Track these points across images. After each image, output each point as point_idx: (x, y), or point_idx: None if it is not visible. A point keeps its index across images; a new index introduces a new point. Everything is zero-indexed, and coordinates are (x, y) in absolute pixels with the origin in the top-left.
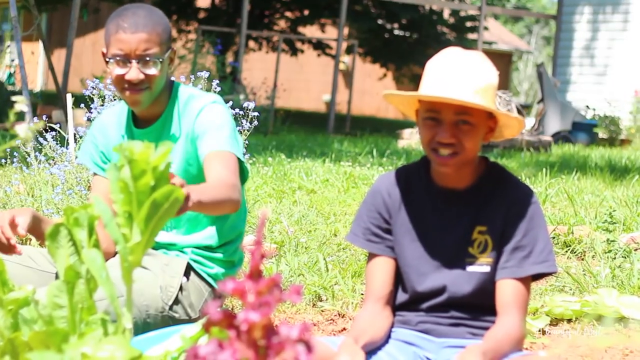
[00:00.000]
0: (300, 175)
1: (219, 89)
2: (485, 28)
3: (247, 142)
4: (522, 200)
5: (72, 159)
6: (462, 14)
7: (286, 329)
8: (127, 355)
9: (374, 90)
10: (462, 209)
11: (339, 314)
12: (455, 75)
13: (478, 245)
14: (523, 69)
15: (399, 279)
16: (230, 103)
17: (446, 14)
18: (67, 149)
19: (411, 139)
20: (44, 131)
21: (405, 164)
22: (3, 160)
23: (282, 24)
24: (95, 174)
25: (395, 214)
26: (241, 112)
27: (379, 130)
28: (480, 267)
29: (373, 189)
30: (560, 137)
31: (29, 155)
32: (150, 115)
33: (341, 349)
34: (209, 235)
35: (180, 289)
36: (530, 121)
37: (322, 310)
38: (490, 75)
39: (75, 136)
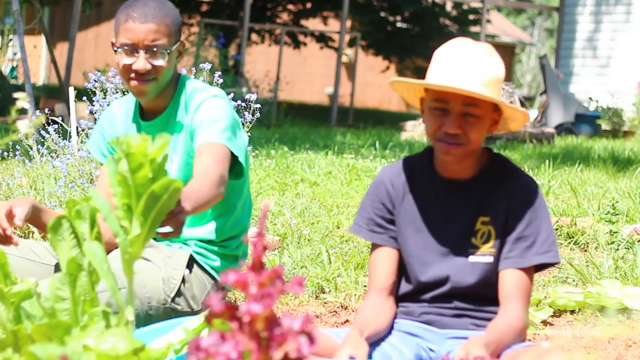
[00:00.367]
0: (303, 167)
1: (221, 81)
2: (488, 21)
3: (249, 134)
4: (526, 191)
5: (75, 152)
6: (465, 6)
7: (288, 321)
8: (129, 347)
9: (376, 83)
10: (466, 199)
11: (341, 306)
12: (464, 67)
13: (481, 235)
14: (526, 61)
15: (402, 270)
16: (232, 95)
17: (449, 7)
18: (69, 142)
19: (414, 131)
20: (46, 124)
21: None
22: (5, 154)
23: (285, 16)
24: (102, 164)
25: (399, 205)
26: (243, 105)
27: (381, 122)
28: (484, 257)
29: (376, 180)
30: (563, 129)
31: (31, 149)
32: (156, 107)
33: (345, 341)
34: (212, 229)
35: (183, 281)
36: (533, 113)
37: (324, 302)
38: (497, 68)
39: (77, 129)
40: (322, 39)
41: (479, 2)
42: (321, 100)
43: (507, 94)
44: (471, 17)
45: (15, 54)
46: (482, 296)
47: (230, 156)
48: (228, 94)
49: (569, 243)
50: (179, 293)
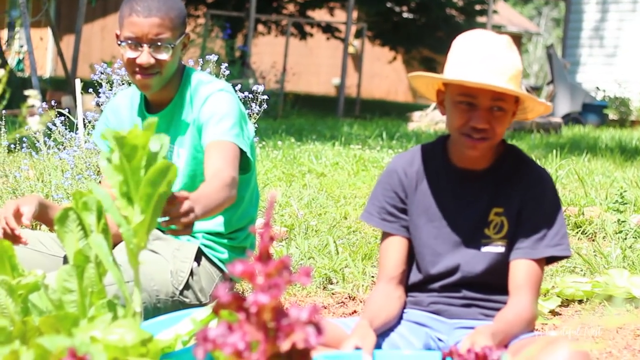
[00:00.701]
0: (310, 158)
1: (227, 72)
2: (495, 11)
3: (256, 125)
4: (540, 182)
5: (81, 144)
6: None
7: (296, 311)
8: (137, 338)
9: (383, 74)
10: (479, 190)
11: (349, 297)
12: (491, 62)
13: (494, 226)
14: (533, 51)
15: (411, 260)
16: (239, 86)
17: None
18: (76, 134)
19: (421, 122)
20: (51, 118)
21: (415, 145)
22: (12, 146)
23: (291, 7)
24: None
25: (412, 194)
26: (250, 96)
27: (388, 113)
28: (495, 247)
29: (389, 168)
30: (570, 119)
31: (38, 141)
32: (161, 99)
33: (354, 331)
34: (220, 222)
35: (191, 273)
36: None
37: (332, 293)
38: (518, 61)
39: (84, 121)
40: (329, 29)
41: None
42: (328, 91)
43: None
44: (477, 7)
45: (21, 46)
46: (491, 286)
47: (240, 152)
48: (235, 85)
49: (577, 233)
50: (187, 286)
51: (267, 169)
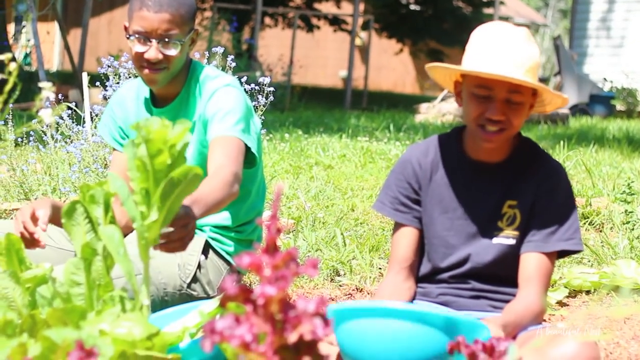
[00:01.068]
0: (317, 150)
1: (234, 65)
2: (501, 2)
3: (263, 118)
4: (554, 176)
5: (89, 138)
6: None
7: (303, 303)
8: (144, 332)
9: (390, 66)
10: (494, 182)
11: (357, 289)
12: (509, 53)
13: (507, 218)
14: (540, 42)
15: (422, 250)
16: (245, 79)
17: None
18: (83, 127)
19: (428, 114)
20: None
21: (420, 140)
22: (20, 139)
23: (298, 0)
24: (114, 149)
25: (426, 185)
26: (257, 88)
27: (395, 105)
28: (507, 239)
29: (403, 159)
30: (577, 110)
31: (45, 134)
32: (167, 93)
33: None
34: (227, 215)
35: (199, 267)
36: None
37: (340, 285)
38: (536, 53)
39: (91, 115)
40: (336, 22)
41: None
42: (335, 83)
43: None
44: None
45: (28, 40)
46: (500, 278)
47: (245, 147)
48: (241, 77)
49: (584, 223)
50: (194, 279)
51: (274, 162)
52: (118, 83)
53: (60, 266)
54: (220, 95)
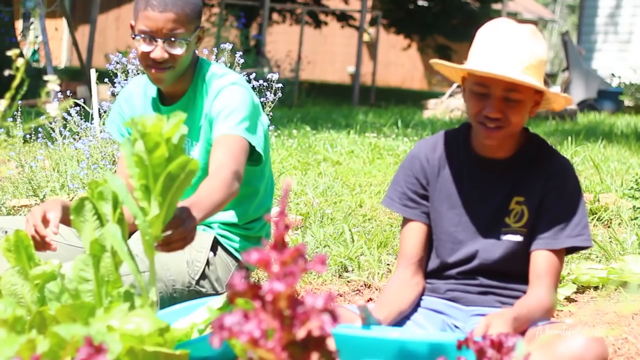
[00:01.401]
0: (325, 147)
1: (242, 61)
2: None
3: (271, 114)
4: (562, 172)
5: (97, 134)
6: None
7: (311, 299)
8: (153, 328)
9: (398, 61)
10: (501, 178)
11: (365, 285)
12: (506, 51)
13: (514, 215)
14: (548, 37)
15: (430, 246)
16: (254, 75)
17: None
18: (91, 124)
19: (436, 110)
20: (68, 107)
21: (428, 135)
22: (28, 136)
23: None
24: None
25: (434, 181)
26: (265, 84)
27: (403, 101)
28: (514, 236)
29: (411, 154)
30: (585, 106)
31: (53, 131)
32: (174, 91)
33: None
34: (235, 213)
35: (207, 263)
36: (555, 90)
37: (348, 281)
38: (540, 51)
39: (99, 111)
40: (343, 18)
41: None
42: (343, 79)
43: None
44: None
45: (36, 37)
46: (507, 273)
47: (249, 145)
48: (249, 74)
49: (592, 219)
50: (203, 276)
51: (282, 158)
52: (126, 79)
53: (69, 263)
54: (226, 94)
